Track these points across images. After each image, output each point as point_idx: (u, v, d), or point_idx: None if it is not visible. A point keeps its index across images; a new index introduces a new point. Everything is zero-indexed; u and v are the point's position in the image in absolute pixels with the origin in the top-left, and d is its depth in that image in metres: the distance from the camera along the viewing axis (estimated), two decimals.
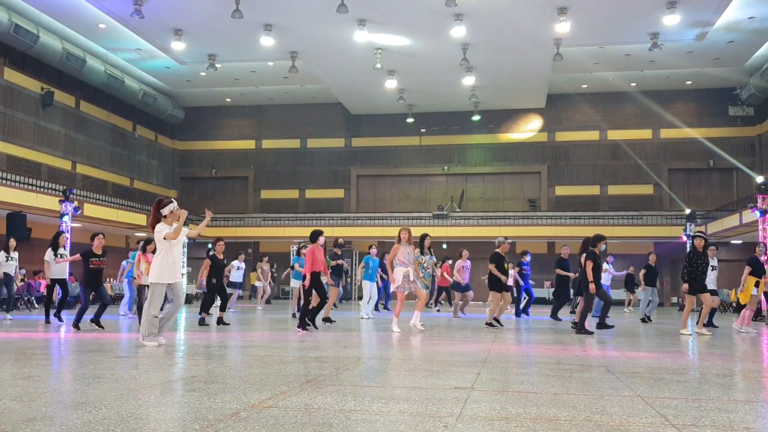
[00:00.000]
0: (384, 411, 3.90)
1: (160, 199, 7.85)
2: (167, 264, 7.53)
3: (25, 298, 18.63)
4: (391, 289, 10.94)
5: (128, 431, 3.29)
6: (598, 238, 11.01)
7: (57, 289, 12.23)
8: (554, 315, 14.52)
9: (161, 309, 7.76)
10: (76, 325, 10.42)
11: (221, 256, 12.00)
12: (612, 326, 10.82)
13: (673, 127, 31.06)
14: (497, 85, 28.13)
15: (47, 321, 12.11)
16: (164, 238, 7.45)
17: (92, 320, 10.64)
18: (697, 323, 11.11)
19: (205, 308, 11.88)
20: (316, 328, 10.73)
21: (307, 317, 10.59)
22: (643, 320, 14.45)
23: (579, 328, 10.37)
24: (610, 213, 29.80)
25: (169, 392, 4.55)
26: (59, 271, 11.98)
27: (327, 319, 12.51)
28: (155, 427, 3.41)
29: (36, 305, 19.28)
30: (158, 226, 7.55)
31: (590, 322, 11.40)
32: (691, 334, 10.54)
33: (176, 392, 4.57)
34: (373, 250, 14.90)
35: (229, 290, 18.43)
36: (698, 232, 11.59)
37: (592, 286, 10.41)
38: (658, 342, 9.54)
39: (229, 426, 3.44)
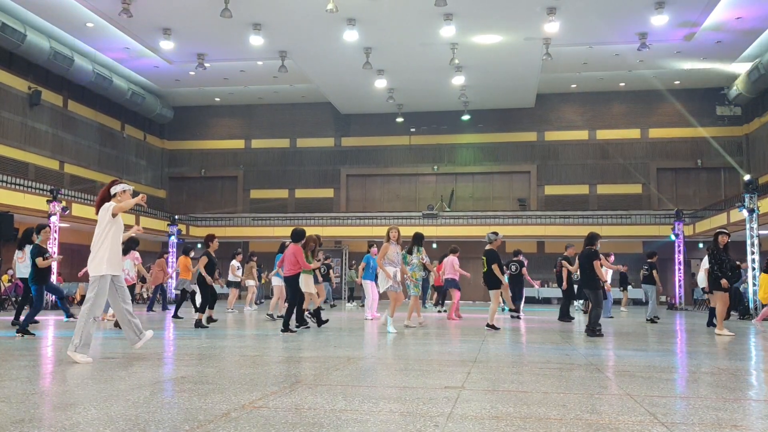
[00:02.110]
0: (374, 411, 3.90)
1: (114, 180, 7.03)
2: (114, 252, 6.58)
3: (13, 299, 18.49)
4: (381, 289, 10.85)
5: None
6: (594, 238, 10.71)
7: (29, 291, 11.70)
8: (565, 314, 14.48)
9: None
10: (24, 329, 9.35)
11: (214, 254, 11.79)
12: (602, 335, 10.14)
13: (661, 126, 31.28)
14: (487, 84, 28.19)
15: (16, 323, 11.04)
16: (112, 215, 6.59)
17: (22, 327, 9.38)
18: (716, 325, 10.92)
19: (209, 306, 11.49)
20: (294, 330, 10.37)
21: (290, 319, 10.51)
22: (653, 320, 14.33)
23: (591, 331, 10.14)
24: (599, 212, 29.94)
25: (158, 393, 4.53)
26: (24, 270, 11.27)
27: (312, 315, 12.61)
28: (145, 428, 3.39)
29: (24, 306, 19.15)
30: (106, 204, 6.63)
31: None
32: (734, 334, 10.34)
33: (166, 393, 4.55)
34: (374, 250, 14.81)
35: (228, 290, 18.38)
36: (721, 228, 11.39)
37: (608, 286, 10.18)
38: (647, 341, 9.58)
39: (219, 426, 3.43)
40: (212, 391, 4.55)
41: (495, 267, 11.42)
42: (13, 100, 24.55)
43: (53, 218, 19.19)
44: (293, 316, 10.72)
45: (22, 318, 9.94)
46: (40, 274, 9.86)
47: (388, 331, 10.20)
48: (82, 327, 6.26)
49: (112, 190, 6.80)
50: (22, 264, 11.45)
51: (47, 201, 19.55)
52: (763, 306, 12.97)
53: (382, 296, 13.26)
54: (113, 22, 21.96)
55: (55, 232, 19.39)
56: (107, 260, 6.48)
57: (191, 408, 3.91)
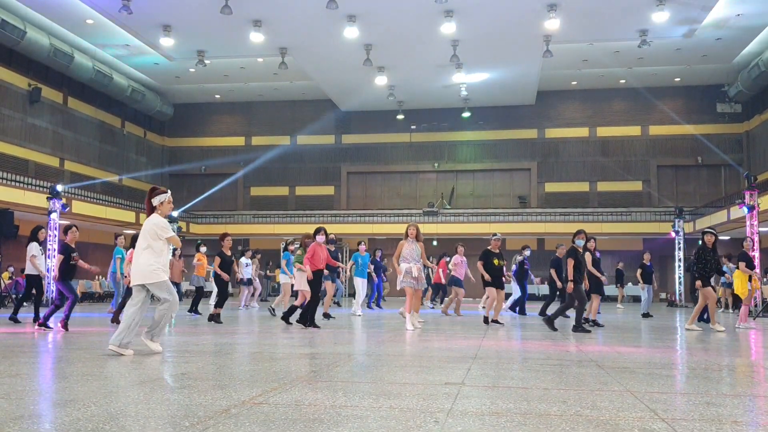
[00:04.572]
0: (375, 407, 3.89)
1: (154, 187, 7.04)
2: (161, 263, 6.69)
3: (13, 296, 18.49)
4: (398, 287, 10.90)
5: (117, 429, 3.27)
6: (575, 233, 10.79)
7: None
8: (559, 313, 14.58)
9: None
10: (65, 325, 9.73)
11: (229, 252, 12.21)
12: (589, 331, 10.25)
13: (661, 123, 31.26)
14: (487, 81, 28.16)
15: (13, 318, 11.48)
16: (167, 239, 6.70)
17: (64, 321, 9.81)
18: (709, 320, 11.02)
19: (219, 304, 11.93)
20: (318, 326, 10.54)
21: (306, 315, 10.62)
22: (645, 315, 14.81)
23: (576, 326, 10.18)
24: (599, 209, 29.95)
25: (158, 389, 4.52)
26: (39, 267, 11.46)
27: (326, 315, 12.76)
28: (144, 424, 3.39)
29: (24, 303, 19.14)
30: (154, 219, 6.72)
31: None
32: (724, 330, 10.49)
33: (166, 389, 4.55)
34: (362, 247, 14.95)
35: (237, 287, 18.66)
36: (708, 228, 11.55)
37: (569, 286, 10.19)
38: (647, 337, 9.58)
39: (219, 423, 3.43)
40: (212, 387, 4.55)
41: (479, 265, 11.98)
42: (13, 97, 24.54)
43: (53, 215, 19.17)
44: (298, 312, 10.95)
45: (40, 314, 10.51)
46: (59, 271, 10.11)
47: (407, 329, 10.10)
48: (125, 330, 6.50)
49: (153, 202, 6.84)
50: (37, 262, 11.60)
51: (47, 198, 19.54)
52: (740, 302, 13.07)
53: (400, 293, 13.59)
54: (113, 18, 21.94)
55: (55, 229, 19.38)
56: (156, 268, 6.63)
57: (191, 404, 3.91)
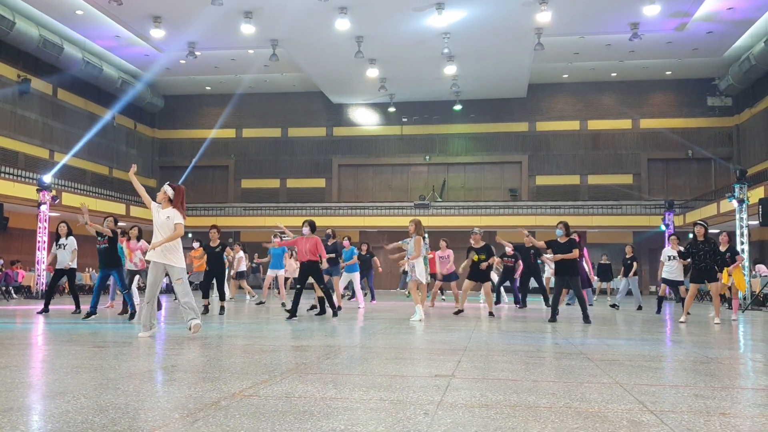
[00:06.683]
0: (365, 399, 3.90)
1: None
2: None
3: (3, 288, 18.40)
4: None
5: (107, 421, 3.27)
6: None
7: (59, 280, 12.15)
8: (522, 302, 14.93)
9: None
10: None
11: (214, 244, 12.10)
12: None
13: (652, 117, 31.37)
14: (478, 74, 28.15)
15: (77, 311, 11.70)
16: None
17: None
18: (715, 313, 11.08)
19: (204, 295, 12.08)
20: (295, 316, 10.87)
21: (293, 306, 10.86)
22: (613, 306, 15.14)
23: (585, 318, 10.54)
24: (590, 202, 30.06)
25: (148, 382, 4.52)
26: (62, 261, 11.75)
27: (339, 307, 13.00)
28: (134, 417, 3.38)
29: (14, 295, 19.06)
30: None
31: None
32: (684, 322, 10.65)
33: (156, 382, 4.54)
34: (346, 242, 14.98)
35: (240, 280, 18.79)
36: (700, 220, 11.65)
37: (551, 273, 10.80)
38: (636, 330, 9.64)
39: (210, 415, 3.43)
40: (203, 379, 4.54)
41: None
42: (2, 88, 24.34)
43: (43, 207, 19.06)
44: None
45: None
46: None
47: (411, 319, 10.46)
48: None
49: None
50: (61, 255, 11.84)
51: (37, 190, 19.42)
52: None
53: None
54: (103, 9, 21.78)
55: (45, 221, 19.28)
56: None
57: (181, 397, 3.91)
